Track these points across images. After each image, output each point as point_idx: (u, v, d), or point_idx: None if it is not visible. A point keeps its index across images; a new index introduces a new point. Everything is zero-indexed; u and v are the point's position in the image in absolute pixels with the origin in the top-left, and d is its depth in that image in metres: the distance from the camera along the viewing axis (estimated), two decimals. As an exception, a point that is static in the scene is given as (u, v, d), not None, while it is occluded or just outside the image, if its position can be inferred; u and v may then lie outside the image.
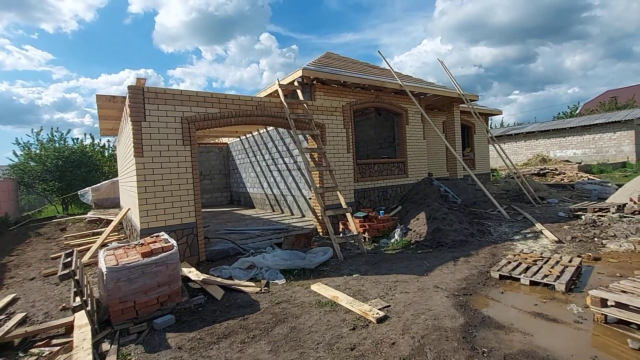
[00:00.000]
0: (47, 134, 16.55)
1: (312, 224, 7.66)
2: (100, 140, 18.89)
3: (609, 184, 10.55)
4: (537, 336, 2.80)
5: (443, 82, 15.16)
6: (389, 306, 3.51)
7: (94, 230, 8.68)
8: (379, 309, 3.38)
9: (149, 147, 5.27)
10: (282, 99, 6.73)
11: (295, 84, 7.24)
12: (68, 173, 14.88)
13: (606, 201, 7.94)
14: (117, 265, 3.45)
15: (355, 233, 5.97)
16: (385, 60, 10.17)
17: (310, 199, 8.13)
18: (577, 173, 15.38)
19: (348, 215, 6.21)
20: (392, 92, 8.86)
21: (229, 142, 14.09)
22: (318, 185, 7.03)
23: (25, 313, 3.93)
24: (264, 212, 10.79)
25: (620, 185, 9.37)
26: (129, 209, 7.17)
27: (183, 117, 5.55)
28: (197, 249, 5.60)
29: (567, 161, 20.05)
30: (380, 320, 3.19)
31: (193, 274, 4.56)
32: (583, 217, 7.03)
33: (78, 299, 3.31)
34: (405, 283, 4.17)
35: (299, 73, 6.91)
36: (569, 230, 6.25)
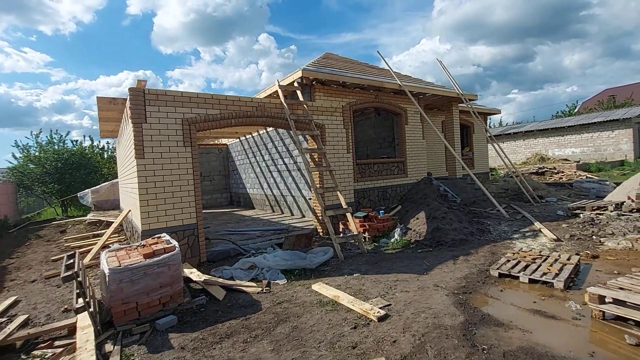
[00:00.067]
0: (46, 136, 16.52)
1: (313, 224, 7.68)
2: (99, 142, 18.94)
3: (607, 183, 10.61)
4: (536, 333, 2.84)
5: (442, 82, 15.22)
6: (390, 305, 3.54)
7: (94, 232, 8.68)
8: (380, 308, 3.40)
9: (149, 148, 5.29)
10: (282, 100, 6.75)
11: (295, 84, 7.27)
12: (67, 175, 14.86)
13: (604, 199, 7.97)
14: (120, 266, 3.47)
15: (355, 233, 6.00)
16: (385, 60, 10.22)
17: (310, 199, 8.16)
18: (575, 172, 15.43)
19: (348, 215, 6.24)
20: (391, 92, 8.90)
21: (228, 143, 14.09)
22: (318, 186, 7.06)
23: (27, 315, 3.93)
24: (264, 212, 10.81)
25: (618, 184, 9.41)
26: (130, 210, 7.18)
27: (184, 118, 5.57)
28: (198, 249, 5.63)
29: (566, 160, 20.10)
30: (381, 319, 3.22)
31: (194, 274, 4.58)
32: (581, 215, 7.07)
33: (81, 300, 3.34)
34: (405, 282, 4.20)
35: (299, 74, 6.93)
36: (568, 229, 6.29)
